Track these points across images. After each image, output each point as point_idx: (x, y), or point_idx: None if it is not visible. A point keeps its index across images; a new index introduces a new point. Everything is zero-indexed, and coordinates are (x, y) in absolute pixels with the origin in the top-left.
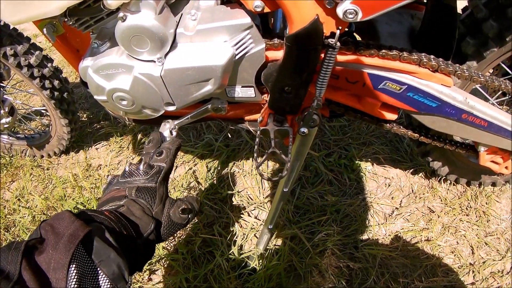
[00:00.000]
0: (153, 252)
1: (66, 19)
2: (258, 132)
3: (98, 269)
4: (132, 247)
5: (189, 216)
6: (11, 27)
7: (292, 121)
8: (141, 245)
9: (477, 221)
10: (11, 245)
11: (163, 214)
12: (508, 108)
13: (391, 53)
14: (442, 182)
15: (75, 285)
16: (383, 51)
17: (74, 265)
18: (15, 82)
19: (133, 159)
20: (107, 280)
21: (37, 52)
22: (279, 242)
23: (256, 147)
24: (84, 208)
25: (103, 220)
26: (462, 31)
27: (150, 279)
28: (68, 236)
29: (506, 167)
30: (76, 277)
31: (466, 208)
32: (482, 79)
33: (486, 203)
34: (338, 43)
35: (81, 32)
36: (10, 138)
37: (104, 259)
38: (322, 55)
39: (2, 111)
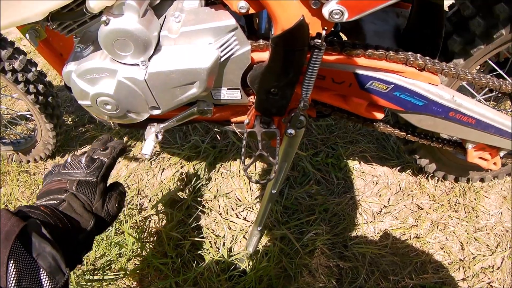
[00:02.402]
0: (91, 244)
1: (48, 24)
2: (245, 134)
3: (36, 263)
4: (69, 241)
5: (123, 205)
6: None
7: (279, 123)
8: (81, 239)
9: (466, 217)
10: None
11: (103, 209)
12: (495, 104)
13: (377, 52)
14: (429, 179)
15: (14, 282)
16: (369, 50)
17: (12, 261)
18: None
19: (119, 162)
20: (45, 273)
21: (21, 57)
22: (269, 243)
23: (243, 149)
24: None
25: (39, 215)
26: (448, 29)
27: (139, 284)
28: (4, 233)
29: (494, 163)
30: (14, 273)
31: (455, 204)
32: (469, 77)
33: (475, 199)
34: (324, 44)
35: (65, 36)
36: None
37: (40, 252)
38: (308, 56)
39: None
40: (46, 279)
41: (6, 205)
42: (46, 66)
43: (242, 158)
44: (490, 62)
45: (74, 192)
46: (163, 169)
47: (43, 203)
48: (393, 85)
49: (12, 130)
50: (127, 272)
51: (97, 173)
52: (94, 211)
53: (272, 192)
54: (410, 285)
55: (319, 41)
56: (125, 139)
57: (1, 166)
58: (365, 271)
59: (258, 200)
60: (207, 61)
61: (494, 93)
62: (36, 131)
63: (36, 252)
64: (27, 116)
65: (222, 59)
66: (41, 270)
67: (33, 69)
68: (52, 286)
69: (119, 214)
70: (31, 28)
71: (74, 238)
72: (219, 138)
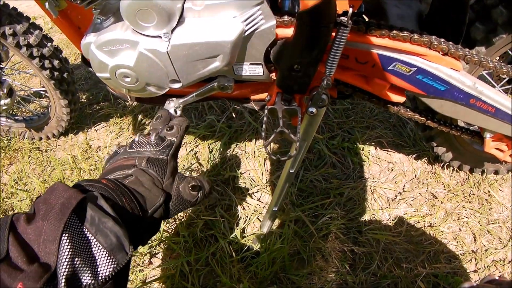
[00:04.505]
0: (158, 227)
1: None
2: (266, 111)
3: (94, 240)
4: (134, 217)
5: (199, 194)
6: (11, 6)
7: (300, 101)
8: (148, 217)
9: (479, 208)
10: None
11: (172, 188)
12: None
13: (402, 34)
14: (445, 168)
15: (67, 260)
16: (394, 32)
17: (66, 237)
18: (13, 64)
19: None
20: (105, 252)
21: (37, 32)
22: (283, 225)
23: (264, 126)
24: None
25: (99, 188)
26: (471, 17)
27: (150, 263)
28: (59, 205)
29: (510, 155)
30: (68, 249)
31: (469, 195)
32: (491, 65)
33: (489, 191)
34: (350, 22)
35: (83, 9)
36: (9, 120)
37: (100, 228)
38: (333, 34)
39: (0, 93)
40: (106, 257)
41: (17, 182)
42: (62, 44)
43: (263, 134)
44: (510, 52)
45: (144, 167)
46: None
47: (109, 177)
48: (416, 68)
49: (25, 107)
50: (138, 250)
51: (167, 151)
52: (165, 188)
53: (290, 171)
54: (423, 274)
55: (345, 18)
56: (139, 116)
57: (13, 142)
58: (378, 258)
59: (272, 181)
60: (232, 35)
61: None
62: (49, 108)
63: (95, 227)
64: (41, 92)
65: (247, 33)
66: (100, 247)
67: (49, 44)
68: (113, 266)
69: (194, 203)
70: None
71: (139, 216)
72: (234, 117)
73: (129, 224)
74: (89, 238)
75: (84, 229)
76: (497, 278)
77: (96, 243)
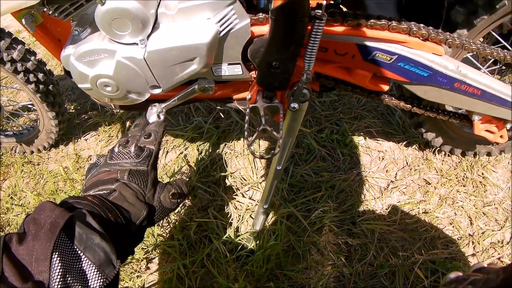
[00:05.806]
0: (143, 236)
1: (45, 9)
2: (248, 110)
3: (83, 256)
4: (120, 231)
5: (179, 200)
6: None
7: (282, 97)
8: (134, 230)
9: (474, 191)
10: None
11: (154, 199)
12: (499, 77)
13: (380, 22)
14: (436, 153)
15: (58, 277)
16: (372, 21)
17: (56, 255)
18: None
19: None
20: (94, 267)
21: (19, 46)
22: (276, 221)
23: (246, 125)
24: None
25: (86, 205)
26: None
27: (147, 268)
28: (49, 225)
29: (501, 136)
30: (59, 267)
31: (463, 179)
32: (473, 47)
33: (482, 173)
34: (325, 14)
35: (62, 21)
36: None
37: (88, 245)
38: (309, 28)
39: None
40: (95, 273)
41: (11, 197)
42: (46, 56)
43: (246, 134)
44: (493, 33)
45: (126, 181)
46: (167, 152)
47: (91, 193)
48: (396, 56)
49: (14, 122)
50: (134, 256)
51: (147, 162)
52: (147, 200)
53: (277, 168)
54: (420, 261)
55: (320, 11)
56: (128, 123)
57: (5, 158)
58: (374, 248)
59: (263, 178)
60: (206, 36)
61: (498, 66)
62: (38, 121)
63: (84, 244)
64: (29, 106)
65: (222, 33)
66: (89, 263)
67: (32, 58)
68: (102, 280)
69: (175, 208)
70: (26, 13)
71: (126, 229)
72: (222, 117)
73: (116, 238)
74: (79, 254)
75: (73, 247)
76: (485, 266)
77: (85, 259)
